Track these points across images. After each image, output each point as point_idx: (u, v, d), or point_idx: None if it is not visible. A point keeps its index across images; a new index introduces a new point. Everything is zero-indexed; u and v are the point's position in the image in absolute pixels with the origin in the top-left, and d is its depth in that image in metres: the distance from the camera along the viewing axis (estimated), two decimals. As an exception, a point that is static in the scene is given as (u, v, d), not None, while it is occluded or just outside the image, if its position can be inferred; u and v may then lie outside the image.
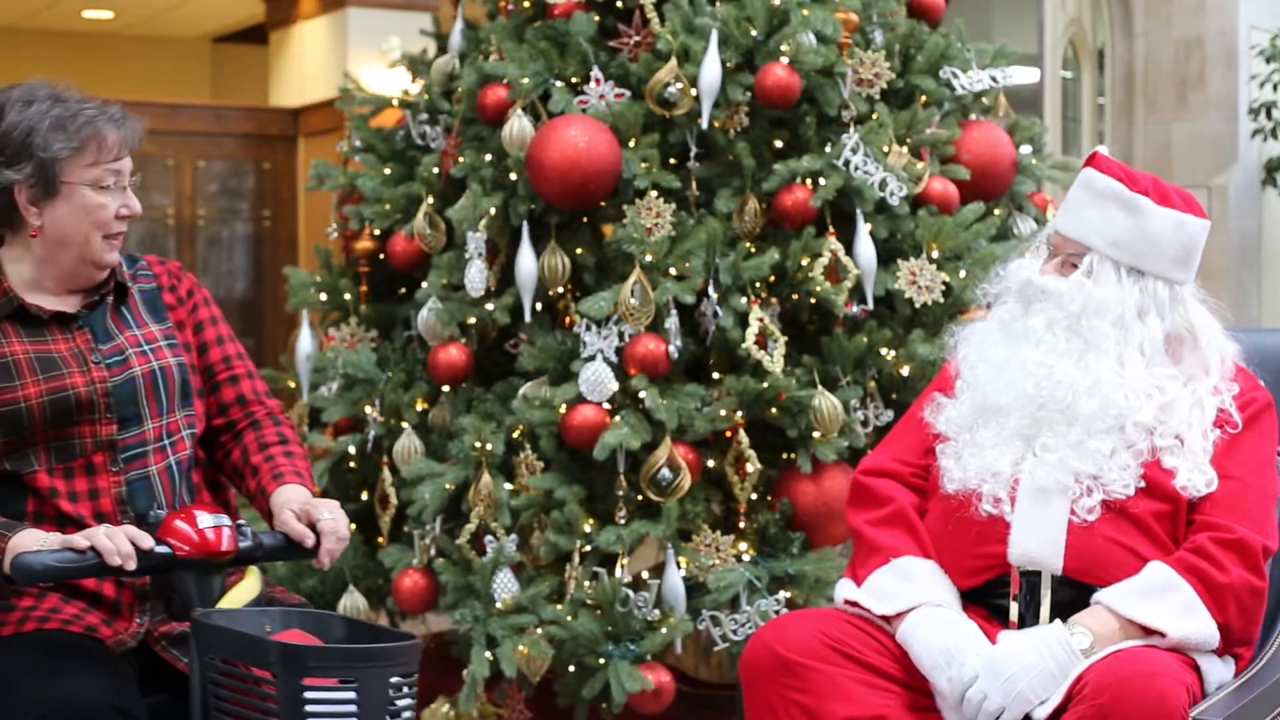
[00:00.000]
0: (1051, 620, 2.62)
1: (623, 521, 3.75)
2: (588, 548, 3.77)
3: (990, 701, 2.50)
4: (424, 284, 4.13)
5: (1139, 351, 2.74)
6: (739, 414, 3.80)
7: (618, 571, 3.75)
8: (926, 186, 4.01)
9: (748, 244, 3.88)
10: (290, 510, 2.59)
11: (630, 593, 3.70)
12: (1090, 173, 2.79)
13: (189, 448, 2.71)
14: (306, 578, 4.11)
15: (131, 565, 2.40)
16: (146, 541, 2.42)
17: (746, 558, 3.77)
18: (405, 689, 2.29)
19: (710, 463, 3.85)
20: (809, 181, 3.87)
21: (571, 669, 3.74)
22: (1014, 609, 2.67)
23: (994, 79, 4.23)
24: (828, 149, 3.89)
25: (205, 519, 2.46)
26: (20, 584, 2.45)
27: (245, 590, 2.51)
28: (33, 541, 2.42)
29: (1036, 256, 2.88)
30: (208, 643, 2.34)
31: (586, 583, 3.73)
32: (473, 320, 4.05)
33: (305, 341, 4.40)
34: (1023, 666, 2.51)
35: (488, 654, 3.71)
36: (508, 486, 3.87)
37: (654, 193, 3.84)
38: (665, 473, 3.73)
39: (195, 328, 2.80)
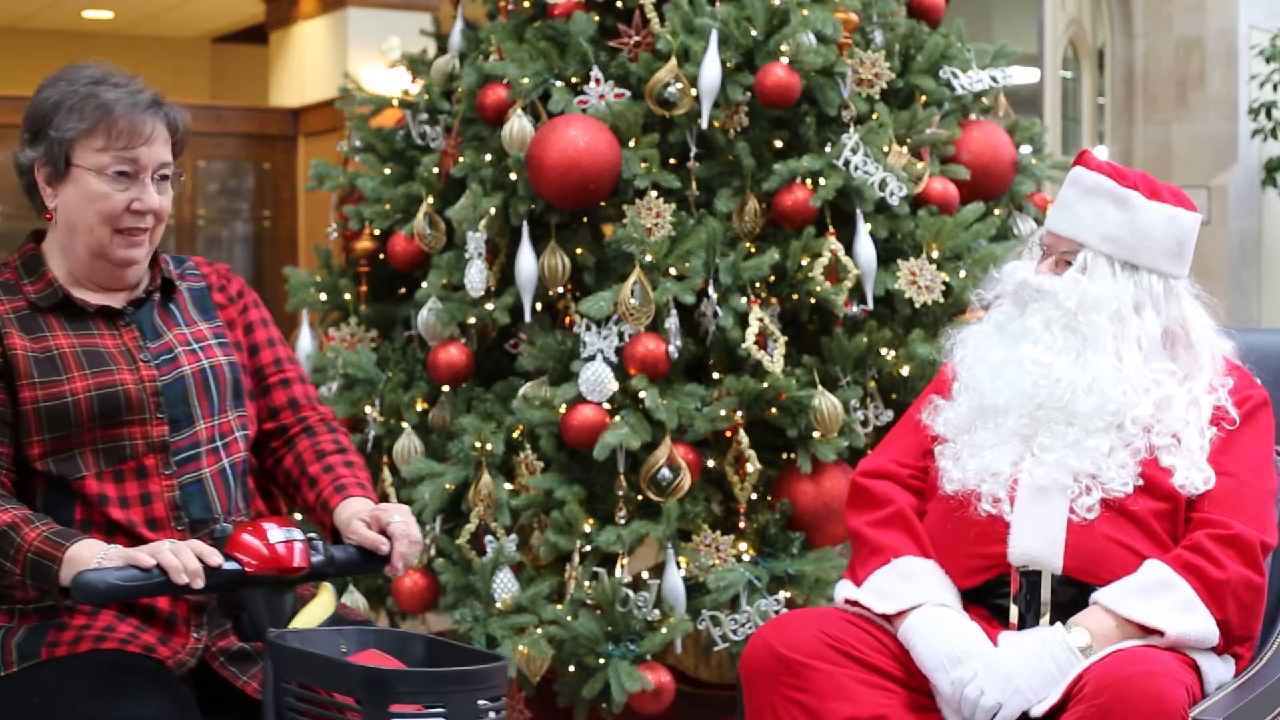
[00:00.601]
0: (1052, 620, 2.62)
1: (623, 521, 3.75)
2: (588, 548, 3.76)
3: (987, 698, 2.50)
4: (424, 284, 4.13)
5: (1136, 346, 2.74)
6: (739, 414, 3.79)
7: (618, 571, 3.75)
8: (926, 186, 4.00)
9: (748, 244, 3.87)
10: (360, 519, 2.48)
11: (630, 593, 3.70)
12: (1080, 170, 2.80)
13: (243, 450, 2.59)
14: (307, 577, 4.10)
15: (199, 583, 2.25)
16: (215, 558, 2.27)
17: (746, 558, 3.77)
18: (493, 714, 2.15)
19: (710, 463, 3.85)
20: (809, 181, 3.86)
21: (571, 669, 3.74)
22: (1014, 609, 2.68)
23: (994, 79, 4.23)
24: (828, 149, 3.89)
25: (276, 533, 2.30)
26: (78, 602, 2.29)
27: (320, 608, 2.36)
28: (91, 555, 2.29)
29: (1030, 258, 2.88)
30: (284, 666, 2.21)
31: (586, 583, 3.73)
32: (473, 320, 4.05)
33: (305, 341, 4.40)
34: (1021, 665, 2.51)
35: (488, 654, 3.71)
36: (508, 486, 3.87)
37: (654, 193, 3.84)
38: (665, 473, 3.73)
39: (246, 328, 2.68)
